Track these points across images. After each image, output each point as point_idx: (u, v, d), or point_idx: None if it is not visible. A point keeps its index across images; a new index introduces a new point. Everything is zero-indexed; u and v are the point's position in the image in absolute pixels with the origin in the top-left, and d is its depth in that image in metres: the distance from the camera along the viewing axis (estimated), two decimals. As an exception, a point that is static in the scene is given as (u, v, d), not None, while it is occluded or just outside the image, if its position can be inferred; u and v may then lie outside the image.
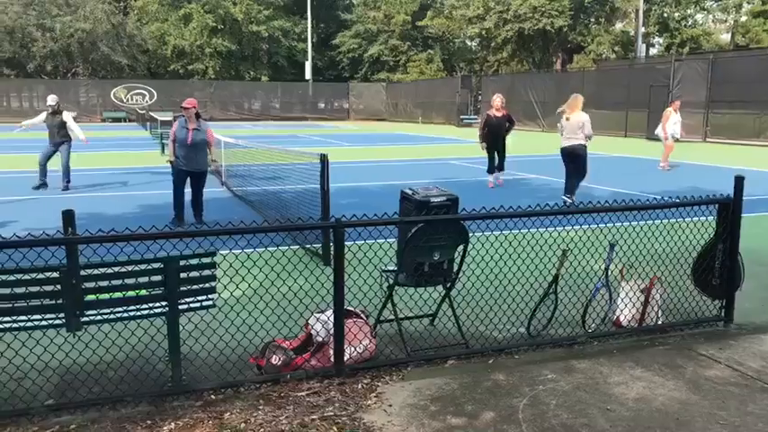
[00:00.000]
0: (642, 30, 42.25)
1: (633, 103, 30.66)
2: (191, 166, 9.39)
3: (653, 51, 48.86)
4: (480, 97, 44.16)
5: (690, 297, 5.49)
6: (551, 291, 5.11)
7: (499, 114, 13.64)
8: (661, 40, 49.37)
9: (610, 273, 5.23)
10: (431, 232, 4.56)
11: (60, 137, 13.39)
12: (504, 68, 52.71)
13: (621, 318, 5.27)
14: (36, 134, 13.28)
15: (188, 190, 9.55)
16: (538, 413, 3.82)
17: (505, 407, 3.90)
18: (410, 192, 4.82)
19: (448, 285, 4.92)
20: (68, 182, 13.48)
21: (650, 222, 5.69)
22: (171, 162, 9.59)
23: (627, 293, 5.24)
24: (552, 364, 4.53)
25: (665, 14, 47.09)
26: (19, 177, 14.98)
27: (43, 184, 13.25)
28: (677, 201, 5.23)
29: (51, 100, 13.53)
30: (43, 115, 13.70)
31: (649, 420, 3.74)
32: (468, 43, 59.86)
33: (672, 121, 16.95)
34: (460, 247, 4.79)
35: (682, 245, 5.35)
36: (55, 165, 13.65)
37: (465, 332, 4.89)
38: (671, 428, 3.66)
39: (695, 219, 5.26)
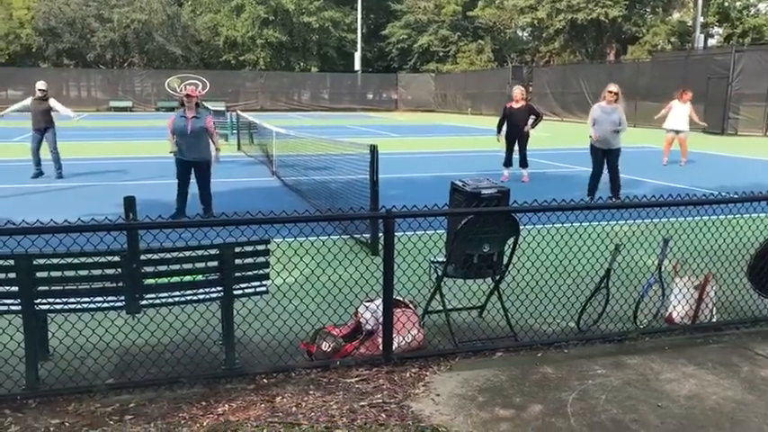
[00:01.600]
0: (701, 19, 40.97)
1: (691, 95, 29.80)
2: (192, 156, 9.07)
3: (712, 42, 47.35)
4: (531, 88, 43.56)
5: (746, 295, 5.36)
6: (603, 285, 5.06)
7: (517, 106, 13.01)
8: (721, 31, 47.76)
9: (663, 268, 5.14)
10: (481, 224, 4.56)
11: (45, 122, 13.16)
12: (556, 59, 51.86)
13: (674, 314, 5.18)
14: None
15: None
16: (587, 407, 3.80)
17: (554, 400, 3.89)
18: (461, 183, 4.82)
19: (497, 278, 4.92)
20: (60, 168, 13.38)
21: (706, 218, 5.57)
22: (173, 153, 9.30)
23: (680, 290, 5.14)
24: (602, 359, 4.50)
25: (726, 3, 45.51)
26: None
27: (39, 173, 13.17)
28: (735, 197, 5.10)
29: (42, 85, 13.33)
30: (29, 101, 13.48)
31: (702, 419, 3.69)
32: (520, 33, 59.05)
33: (674, 113, 15.85)
34: (511, 240, 4.78)
35: (739, 241, 5.23)
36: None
37: (514, 325, 4.89)
38: (725, 428, 3.59)
39: (753, 215, 5.13)
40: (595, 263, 5.05)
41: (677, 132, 15.93)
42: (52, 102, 13.35)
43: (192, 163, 9.12)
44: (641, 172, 14.08)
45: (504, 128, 13.27)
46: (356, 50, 54.13)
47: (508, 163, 13.34)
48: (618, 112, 10.61)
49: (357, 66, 53.78)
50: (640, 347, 4.75)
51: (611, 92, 10.76)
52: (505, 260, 4.87)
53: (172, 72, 51.82)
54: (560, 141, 18.99)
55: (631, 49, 48.55)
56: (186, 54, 53.99)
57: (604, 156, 10.79)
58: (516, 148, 13.19)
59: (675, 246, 5.20)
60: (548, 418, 3.68)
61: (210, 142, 9.32)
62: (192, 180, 9.24)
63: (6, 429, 3.51)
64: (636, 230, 5.27)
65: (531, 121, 13.00)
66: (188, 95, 9.26)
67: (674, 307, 5.18)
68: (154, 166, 15.12)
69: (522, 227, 4.72)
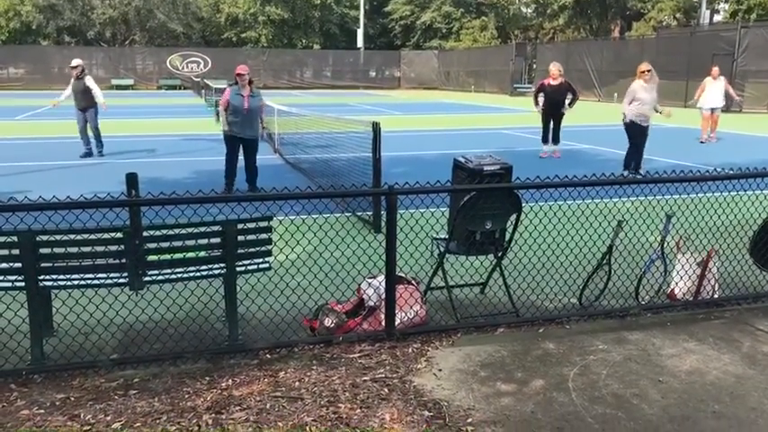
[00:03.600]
0: (707, -5, 40.51)
1: (694, 72, 29.50)
2: (246, 134, 9.28)
3: (717, 18, 46.86)
4: (535, 65, 43.26)
5: (748, 271, 5.36)
6: (605, 262, 5.06)
7: (555, 83, 13.12)
8: (726, 6, 47.25)
9: (666, 245, 5.14)
10: (483, 201, 4.55)
11: (85, 102, 13.09)
12: (560, 36, 51.43)
13: (676, 290, 5.19)
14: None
15: (240, 157, 9.52)
16: (588, 382, 3.83)
17: (555, 375, 3.92)
18: (463, 160, 4.81)
19: (499, 254, 4.92)
20: (101, 147, 13.47)
21: (709, 195, 5.55)
22: (225, 131, 9.40)
23: (683, 266, 5.15)
24: (604, 335, 4.52)
25: (732, -21, 44.97)
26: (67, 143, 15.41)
27: (88, 152, 13.26)
28: (738, 173, 5.08)
29: (75, 63, 13.22)
30: (70, 86, 13.33)
31: (702, 393, 3.71)
32: (524, 10, 58.52)
33: (708, 91, 16.01)
34: (513, 217, 4.77)
35: (742, 218, 5.22)
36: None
37: (516, 301, 4.90)
38: (725, 402, 3.62)
39: (757, 192, 5.11)
40: (597, 239, 5.05)
41: (713, 110, 16.07)
42: (88, 80, 13.16)
43: (245, 140, 9.32)
44: (648, 149, 14.01)
45: (542, 101, 13.33)
46: (359, 27, 53.72)
47: (545, 139, 13.48)
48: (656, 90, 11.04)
49: (360, 43, 53.42)
50: (642, 323, 4.77)
51: (648, 71, 11.06)
52: (508, 237, 4.87)
53: (173, 50, 51.56)
54: (566, 119, 18.90)
55: (636, 26, 48.07)
56: (187, 31, 53.67)
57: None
58: (551, 125, 13.35)
59: (678, 222, 5.20)
60: (549, 392, 3.71)
61: (260, 119, 9.62)
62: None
63: (12, 404, 3.54)
64: (639, 207, 5.27)
65: (568, 101, 13.12)
66: (239, 74, 9.25)
67: (677, 283, 5.18)
68: (157, 144, 15.11)
69: (524, 203, 4.72)
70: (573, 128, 17.81)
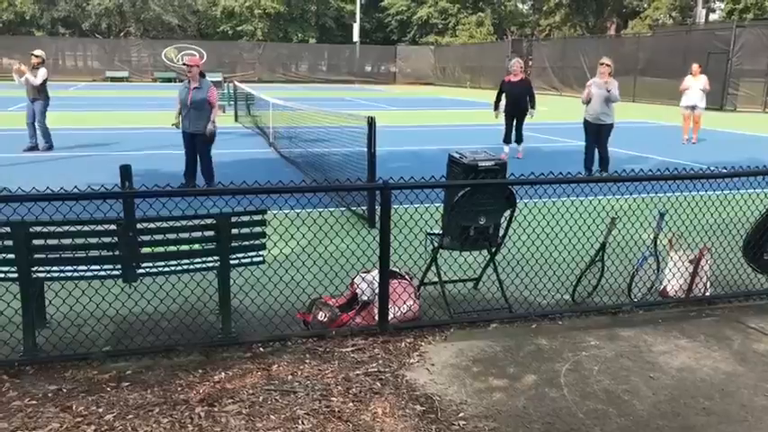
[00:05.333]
0: (703, -6, 40.58)
1: (690, 71, 29.65)
2: (192, 128, 8.94)
3: (713, 17, 46.94)
4: (531, 62, 43.25)
5: (740, 270, 5.39)
6: (598, 258, 5.08)
7: (516, 80, 12.57)
8: (723, 6, 47.35)
9: (658, 242, 5.16)
10: (478, 196, 4.56)
11: (33, 93, 12.59)
12: (557, 33, 51.43)
13: (668, 287, 5.21)
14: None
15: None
16: (580, 378, 3.85)
17: (548, 371, 3.94)
18: (458, 155, 4.81)
19: (493, 250, 4.93)
20: (47, 143, 12.82)
21: (702, 193, 5.58)
22: (175, 125, 9.20)
23: (675, 263, 5.17)
24: (596, 332, 4.54)
25: (729, -22, 45.04)
26: (63, 135, 15.36)
27: (34, 147, 12.70)
28: (730, 171, 5.10)
29: (37, 53, 12.78)
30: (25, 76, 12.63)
31: (693, 390, 3.73)
32: (520, 6, 58.51)
33: (689, 89, 15.63)
34: (507, 213, 4.79)
35: (735, 216, 5.24)
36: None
37: (509, 297, 4.92)
38: (715, 399, 3.64)
39: (750, 191, 5.14)
40: (591, 236, 5.07)
41: (693, 108, 15.65)
42: (41, 72, 12.61)
43: (191, 135, 9.00)
44: (641, 147, 14.07)
45: (503, 103, 12.88)
46: (355, 21, 53.59)
47: (508, 139, 12.95)
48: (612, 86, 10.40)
49: (356, 37, 53.27)
50: (634, 320, 4.79)
51: (601, 64, 10.50)
52: (501, 232, 4.88)
53: (169, 42, 51.30)
54: (559, 116, 18.93)
55: (632, 24, 48.15)
56: (183, 24, 53.43)
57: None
58: (514, 123, 12.84)
59: (671, 220, 5.22)
60: (541, 388, 3.73)
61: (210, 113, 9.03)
62: None
63: (4, 395, 3.54)
64: (632, 204, 5.29)
65: (530, 107, 12.62)
66: (186, 65, 9.06)
67: (669, 280, 5.21)
68: (151, 137, 15.06)
69: (518, 200, 4.73)
70: (566, 124, 17.87)
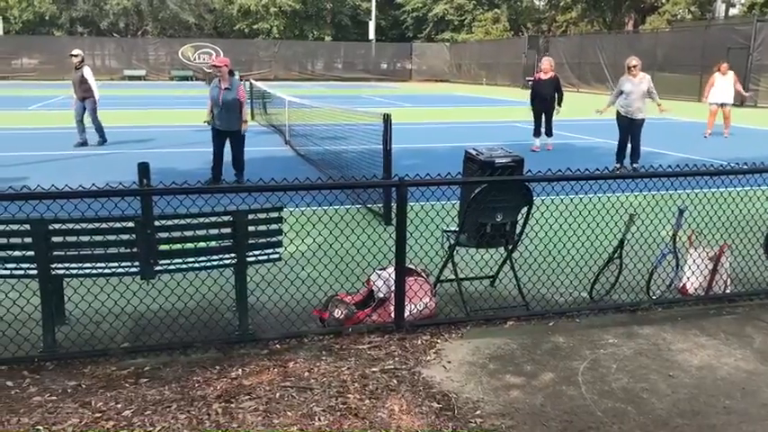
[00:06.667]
0: (723, -12, 40.07)
1: (709, 66, 29.26)
2: (224, 126, 9.25)
3: (733, 12, 46.35)
4: (547, 59, 42.97)
5: (762, 267, 5.32)
6: (616, 255, 5.04)
7: (545, 77, 13.31)
8: (743, 0, 46.75)
9: (678, 239, 5.11)
10: (494, 193, 4.54)
11: (82, 92, 13.11)
12: (573, 29, 51.04)
13: (688, 285, 5.16)
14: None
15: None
16: (598, 376, 3.82)
17: (565, 369, 3.91)
18: (474, 152, 4.79)
19: (510, 247, 4.91)
20: (103, 137, 13.50)
21: (722, 189, 5.51)
22: (207, 122, 9.50)
23: (694, 260, 5.11)
24: (614, 329, 4.50)
25: (749, -28, 44.44)
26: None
27: (83, 143, 13.24)
28: (752, 167, 5.03)
29: (76, 52, 13.27)
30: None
31: (713, 388, 3.69)
32: (536, 2, 58.12)
33: (716, 86, 16.04)
34: (524, 210, 4.76)
35: (756, 213, 5.18)
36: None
37: (526, 294, 4.89)
38: (736, 397, 3.60)
39: (771, 186, 5.06)
40: (609, 233, 5.03)
41: (722, 105, 16.06)
42: (86, 71, 13.13)
43: (225, 132, 9.30)
44: (660, 143, 13.94)
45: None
46: (370, 19, 53.58)
47: (537, 133, 13.59)
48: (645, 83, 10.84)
49: (371, 35, 53.28)
50: (653, 318, 4.74)
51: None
52: (518, 230, 4.85)
53: (185, 41, 51.60)
54: (576, 112, 18.78)
55: (650, 19, 47.65)
56: (199, 22, 53.74)
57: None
58: (543, 119, 13.48)
59: (691, 217, 5.16)
60: (558, 386, 3.70)
61: (240, 112, 9.35)
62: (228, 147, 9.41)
63: (25, 390, 3.58)
64: (651, 201, 5.23)
65: (557, 105, 13.25)
66: (215, 65, 9.32)
67: (688, 278, 5.15)
68: (169, 135, 15.15)
69: (535, 196, 4.70)
70: (583, 121, 17.73)
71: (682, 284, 5.18)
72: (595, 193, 5.05)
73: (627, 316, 4.79)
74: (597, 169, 4.74)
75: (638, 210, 5.15)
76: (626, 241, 5.03)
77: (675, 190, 5.32)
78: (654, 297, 5.05)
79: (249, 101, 20.85)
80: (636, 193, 5.35)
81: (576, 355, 4.09)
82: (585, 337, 4.36)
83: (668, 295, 5.12)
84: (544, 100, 13.33)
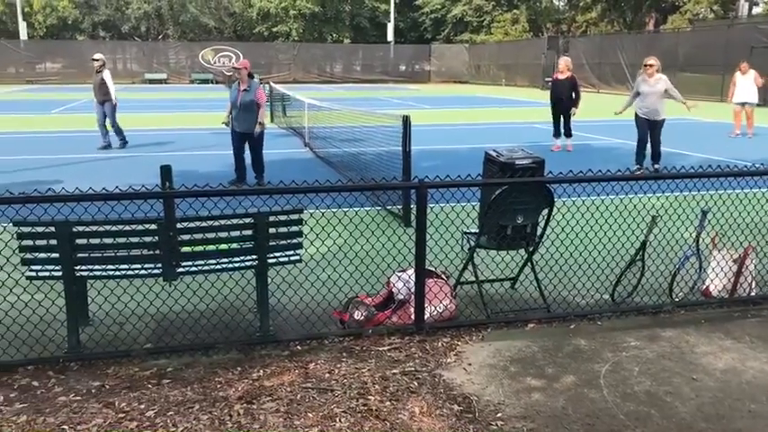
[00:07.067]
0: (745, -13, 39.58)
1: (731, 66, 28.88)
2: (242, 128, 9.34)
3: (757, 10, 45.75)
4: (566, 59, 42.71)
5: (787, 269, 5.24)
6: (638, 258, 4.99)
7: (562, 77, 13.26)
8: (767, -2, 46.12)
9: (701, 241, 5.05)
10: (515, 195, 4.52)
11: (101, 95, 13.34)
12: (593, 29, 50.70)
13: (711, 287, 5.10)
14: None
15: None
16: (620, 379, 3.78)
17: (587, 371, 3.88)
18: (494, 153, 4.78)
19: (531, 249, 4.89)
20: (123, 140, 13.67)
21: (747, 190, 5.44)
22: (225, 123, 9.63)
23: (718, 263, 5.05)
24: (636, 332, 4.46)
25: (773, -31, 43.86)
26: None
27: (107, 145, 13.45)
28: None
29: (97, 56, 13.55)
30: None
31: (738, 392, 3.64)
32: (556, 3, 57.81)
33: (738, 86, 15.97)
34: (545, 211, 4.73)
35: (781, 214, 5.10)
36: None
37: (546, 297, 4.86)
38: (761, 401, 3.55)
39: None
40: (631, 235, 4.98)
41: (743, 105, 16.00)
42: (105, 74, 13.36)
43: (242, 134, 9.38)
44: (681, 144, 13.79)
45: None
46: (389, 21, 53.62)
47: (556, 133, 13.55)
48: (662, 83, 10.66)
49: (390, 36, 53.32)
50: (676, 320, 4.69)
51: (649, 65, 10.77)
52: (539, 231, 4.83)
53: (206, 44, 52.01)
54: (597, 113, 18.65)
55: (671, 19, 47.17)
56: (219, 26, 54.16)
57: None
58: (561, 118, 13.43)
59: (714, 218, 5.10)
60: (580, 389, 3.68)
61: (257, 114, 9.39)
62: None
63: (50, 390, 3.63)
64: (673, 202, 5.18)
65: (573, 106, 13.17)
66: (234, 68, 9.46)
67: (712, 280, 5.09)
68: (190, 138, 15.26)
69: (556, 198, 4.67)
70: (603, 122, 17.59)
71: (705, 287, 5.13)
72: (617, 195, 5.01)
73: (649, 318, 4.74)
74: (619, 170, 4.70)
75: (660, 211, 5.10)
76: (648, 243, 4.99)
77: (698, 191, 5.26)
78: (677, 299, 5.00)
79: (269, 104, 21.03)
80: (658, 195, 5.29)
81: (597, 358, 4.06)
82: (607, 340, 4.33)
83: (691, 298, 5.06)
84: (560, 100, 13.29)
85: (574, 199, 4.93)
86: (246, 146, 9.50)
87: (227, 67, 46.96)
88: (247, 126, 9.32)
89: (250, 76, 9.39)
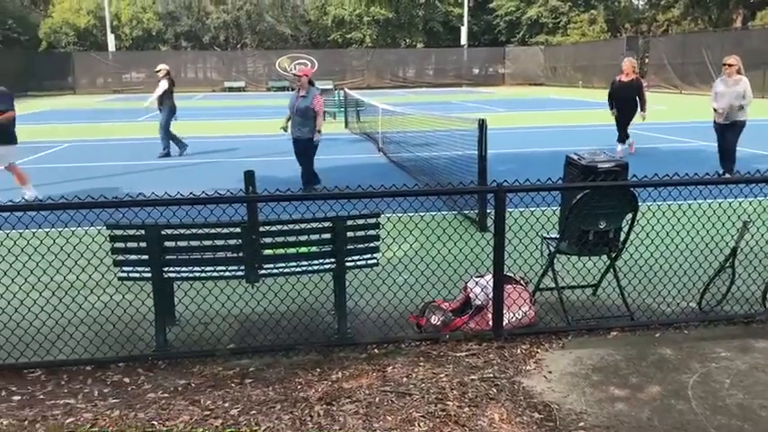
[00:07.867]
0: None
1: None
2: (297, 134, 9.31)
3: None
4: (647, 59, 41.43)
5: None
6: (728, 264, 4.77)
7: (626, 79, 12.52)
8: None
9: (797, 248, 4.79)
10: (597, 199, 4.41)
11: (158, 103, 13.74)
12: (675, 28, 48.95)
13: (809, 297, 4.82)
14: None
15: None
16: (710, 390, 3.63)
17: (673, 382, 3.74)
18: (576, 157, 4.68)
19: (613, 255, 4.75)
20: (165, 149, 13.76)
21: None
22: (284, 128, 9.67)
23: (817, 271, 4.78)
24: (726, 342, 4.27)
25: None
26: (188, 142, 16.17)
27: (182, 150, 13.81)
28: None
29: (160, 67, 13.85)
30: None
31: (841, 409, 3.43)
32: (635, 2, 56.12)
33: None
34: (628, 216, 4.60)
35: None
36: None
37: (630, 304, 4.72)
38: None
39: None
40: (720, 241, 4.78)
41: None
42: (162, 83, 13.67)
43: (296, 140, 9.41)
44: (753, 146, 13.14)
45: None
46: (463, 24, 53.37)
47: (621, 138, 12.94)
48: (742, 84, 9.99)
49: (463, 40, 53.05)
50: (770, 331, 4.46)
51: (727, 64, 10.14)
52: (622, 237, 4.69)
53: (282, 52, 53.13)
54: (680, 114, 18.00)
55: (761, 14, 44.97)
56: (295, 34, 55.28)
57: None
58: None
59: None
60: (666, 399, 3.55)
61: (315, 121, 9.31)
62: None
63: (140, 387, 3.78)
64: (767, 207, 4.93)
65: (639, 110, 12.52)
66: (295, 75, 9.57)
67: (810, 289, 4.81)
68: (269, 144, 15.61)
69: (640, 202, 4.53)
70: (688, 123, 16.96)
71: (802, 296, 4.85)
72: (705, 199, 4.82)
73: (740, 328, 4.53)
74: (707, 174, 4.51)
75: (752, 216, 4.86)
76: (739, 249, 4.77)
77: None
78: (770, 309, 4.76)
79: (343, 110, 21.30)
80: (750, 199, 5.05)
81: (684, 368, 3.91)
82: (695, 350, 4.16)
83: (787, 307, 4.80)
84: (623, 103, 12.54)
85: (659, 203, 4.77)
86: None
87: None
88: (300, 133, 9.28)
89: (311, 83, 9.39)
